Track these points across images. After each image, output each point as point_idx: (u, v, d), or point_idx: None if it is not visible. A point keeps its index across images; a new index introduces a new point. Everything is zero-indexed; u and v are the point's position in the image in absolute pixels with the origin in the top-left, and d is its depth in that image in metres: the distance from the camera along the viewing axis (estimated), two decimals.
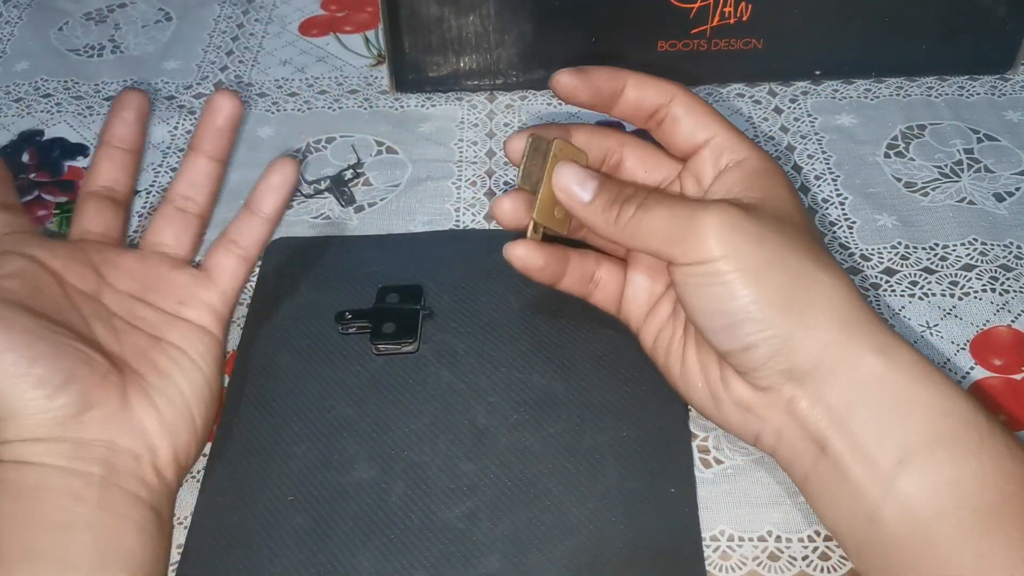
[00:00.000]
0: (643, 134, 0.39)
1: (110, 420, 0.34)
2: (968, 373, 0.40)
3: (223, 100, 0.41)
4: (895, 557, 0.30)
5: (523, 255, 0.38)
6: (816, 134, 0.52)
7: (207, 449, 0.38)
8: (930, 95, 0.54)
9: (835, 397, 0.31)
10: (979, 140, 0.51)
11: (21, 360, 0.32)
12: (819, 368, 0.32)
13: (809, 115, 0.53)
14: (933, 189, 0.48)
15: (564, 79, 0.36)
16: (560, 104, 0.55)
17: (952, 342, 0.41)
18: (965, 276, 0.44)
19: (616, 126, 0.43)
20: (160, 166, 0.52)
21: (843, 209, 0.48)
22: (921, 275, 0.44)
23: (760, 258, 0.32)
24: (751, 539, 0.35)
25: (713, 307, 0.32)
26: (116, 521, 0.32)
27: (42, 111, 0.56)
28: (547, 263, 0.38)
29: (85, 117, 0.56)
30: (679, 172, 0.38)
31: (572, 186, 0.35)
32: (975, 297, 0.43)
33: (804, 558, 0.35)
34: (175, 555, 0.35)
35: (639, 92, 0.37)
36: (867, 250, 0.46)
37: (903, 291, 0.44)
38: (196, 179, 0.42)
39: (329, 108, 0.56)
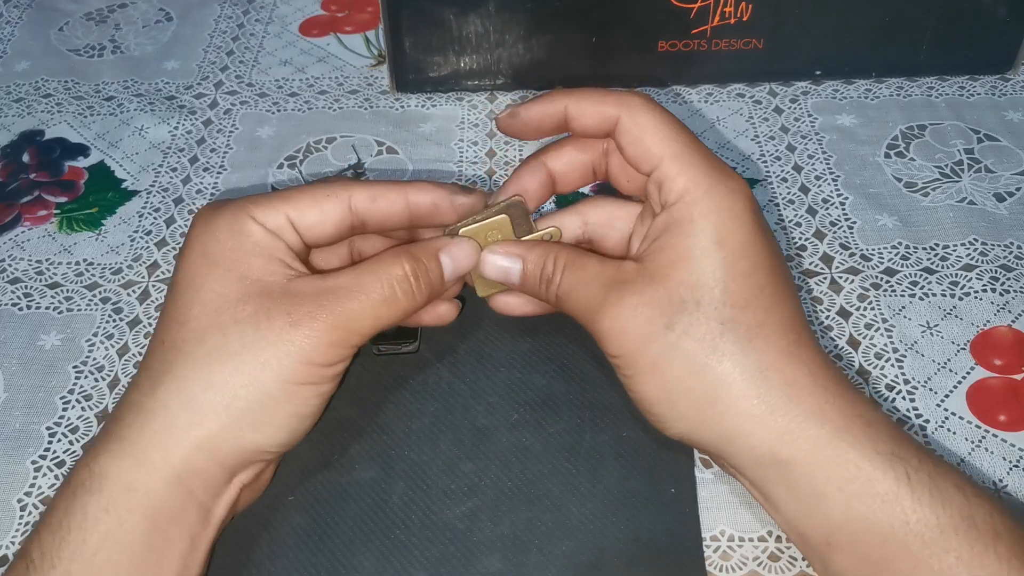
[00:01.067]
0: None
1: (262, 469, 0.34)
2: (968, 373, 0.40)
3: (446, 309, 0.39)
4: None
5: (507, 303, 0.39)
6: (816, 134, 0.52)
7: None
8: (930, 95, 0.54)
9: (752, 480, 0.32)
10: (979, 140, 0.51)
11: (309, 412, 0.33)
12: (732, 454, 0.32)
13: (809, 115, 0.53)
14: (933, 189, 0.48)
15: (502, 123, 0.36)
16: None
17: (952, 342, 0.41)
18: (965, 276, 0.44)
19: None
20: (160, 166, 0.52)
21: (843, 209, 0.48)
22: (921, 275, 0.44)
23: (648, 361, 0.32)
24: (751, 539, 0.35)
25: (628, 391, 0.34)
26: (200, 566, 0.32)
27: (42, 111, 0.56)
28: (535, 307, 0.38)
29: (85, 117, 0.56)
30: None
31: (500, 273, 0.36)
32: (975, 297, 0.43)
33: (804, 558, 0.35)
34: None
35: (578, 120, 0.35)
36: (867, 250, 0.46)
37: (903, 291, 0.44)
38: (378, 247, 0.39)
39: (329, 108, 0.56)
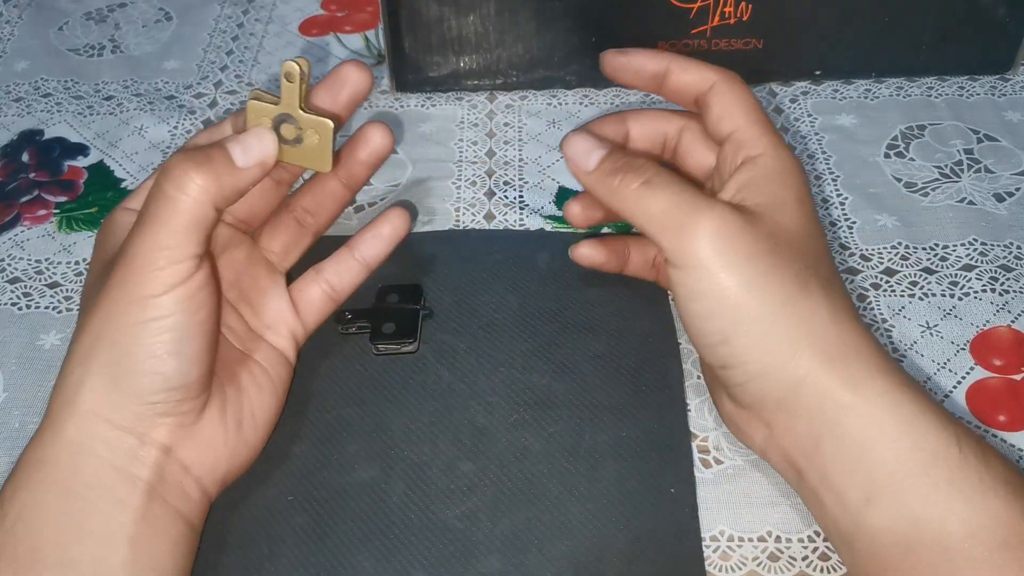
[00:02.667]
0: None
1: (179, 429, 0.33)
2: (968, 373, 0.40)
3: (375, 133, 0.40)
4: None
5: (587, 253, 0.41)
6: (816, 134, 0.52)
7: None
8: (930, 95, 0.54)
9: (803, 431, 0.32)
10: (979, 140, 0.51)
11: (169, 345, 0.32)
12: (789, 401, 0.32)
13: (809, 115, 0.53)
14: (933, 189, 0.48)
15: (609, 58, 0.38)
16: (559, 104, 0.55)
17: (952, 342, 0.41)
18: (965, 276, 0.44)
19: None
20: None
21: (843, 209, 0.48)
22: (921, 275, 0.44)
23: (744, 279, 0.32)
24: (751, 539, 0.35)
25: (694, 318, 0.33)
26: (154, 536, 0.32)
27: (42, 111, 0.56)
28: (609, 257, 0.41)
29: (85, 117, 0.56)
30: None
31: (577, 155, 0.36)
32: (975, 297, 0.43)
33: (804, 558, 0.35)
34: None
35: (679, 77, 0.37)
36: (867, 250, 0.46)
37: (903, 291, 0.44)
38: (322, 200, 0.41)
39: None
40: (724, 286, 0.32)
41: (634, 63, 0.38)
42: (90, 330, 0.32)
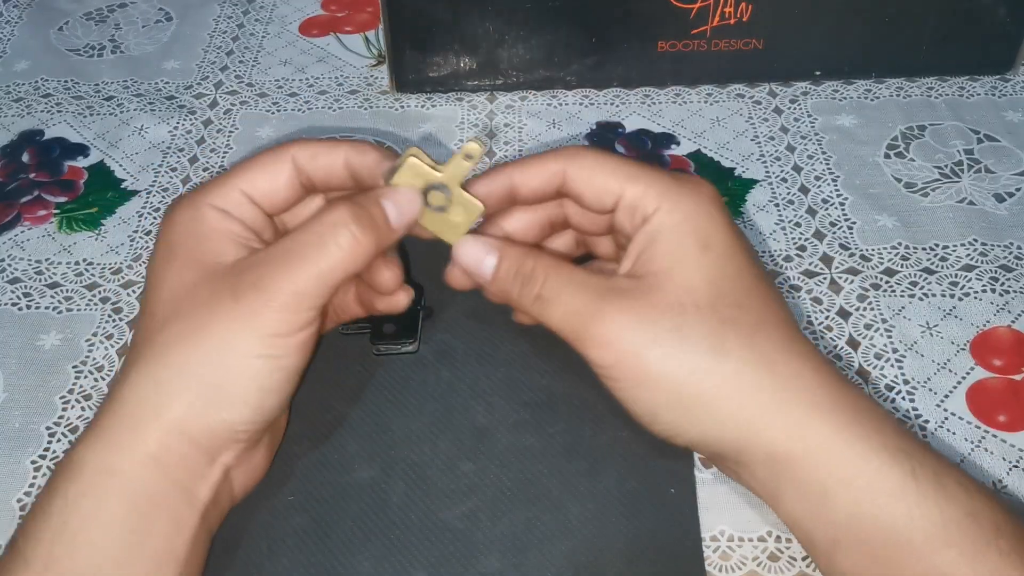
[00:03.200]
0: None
1: (243, 454, 0.33)
2: (968, 373, 0.40)
3: (401, 294, 0.38)
4: None
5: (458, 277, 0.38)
6: (816, 134, 0.52)
7: None
8: (930, 96, 0.54)
9: (763, 478, 0.32)
10: (979, 141, 0.51)
11: (276, 385, 0.32)
12: (741, 457, 0.32)
13: (809, 115, 0.53)
14: (933, 190, 0.48)
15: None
16: (560, 104, 0.55)
17: (952, 342, 0.41)
18: (965, 276, 0.44)
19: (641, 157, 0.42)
20: (160, 166, 0.52)
21: (843, 209, 0.48)
22: (921, 275, 0.44)
23: (652, 365, 0.31)
24: (751, 539, 0.35)
25: (622, 402, 0.33)
26: (198, 556, 0.32)
27: (42, 111, 0.56)
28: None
29: (85, 117, 0.56)
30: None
31: (471, 266, 0.35)
32: (975, 297, 0.43)
33: (804, 558, 0.35)
34: None
35: (527, 183, 0.36)
36: (867, 250, 0.46)
37: (903, 291, 0.44)
38: (349, 303, 0.40)
39: (329, 108, 0.56)
40: (636, 378, 0.32)
41: (479, 196, 0.36)
42: (190, 344, 0.31)
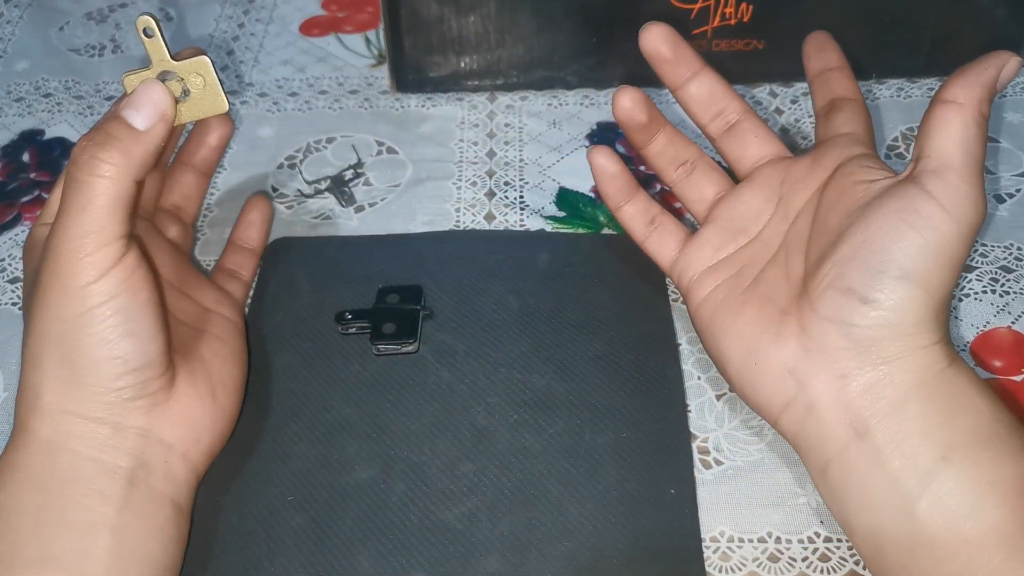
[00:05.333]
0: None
1: (154, 409, 0.33)
2: None
3: (214, 122, 0.44)
4: (924, 552, 0.30)
5: (630, 104, 0.39)
6: None
7: None
8: (930, 96, 0.54)
9: (895, 385, 0.31)
10: None
11: (120, 328, 0.31)
12: (902, 358, 0.31)
13: (810, 116, 0.53)
14: None
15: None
16: (560, 104, 0.55)
17: (952, 343, 0.41)
18: (965, 277, 0.44)
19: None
20: None
21: None
22: None
23: (960, 251, 0.32)
24: (751, 540, 0.35)
25: (888, 243, 0.31)
26: (139, 523, 0.32)
27: (43, 111, 0.56)
28: (626, 177, 0.41)
29: (86, 117, 0.56)
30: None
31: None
32: (975, 299, 0.43)
33: (804, 559, 0.35)
34: None
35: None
36: None
37: None
38: (188, 193, 0.44)
39: (329, 108, 0.56)
40: (953, 245, 0.31)
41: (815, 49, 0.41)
42: (35, 333, 0.32)
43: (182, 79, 0.35)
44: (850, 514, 0.32)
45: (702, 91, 0.39)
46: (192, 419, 0.34)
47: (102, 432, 0.32)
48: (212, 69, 0.35)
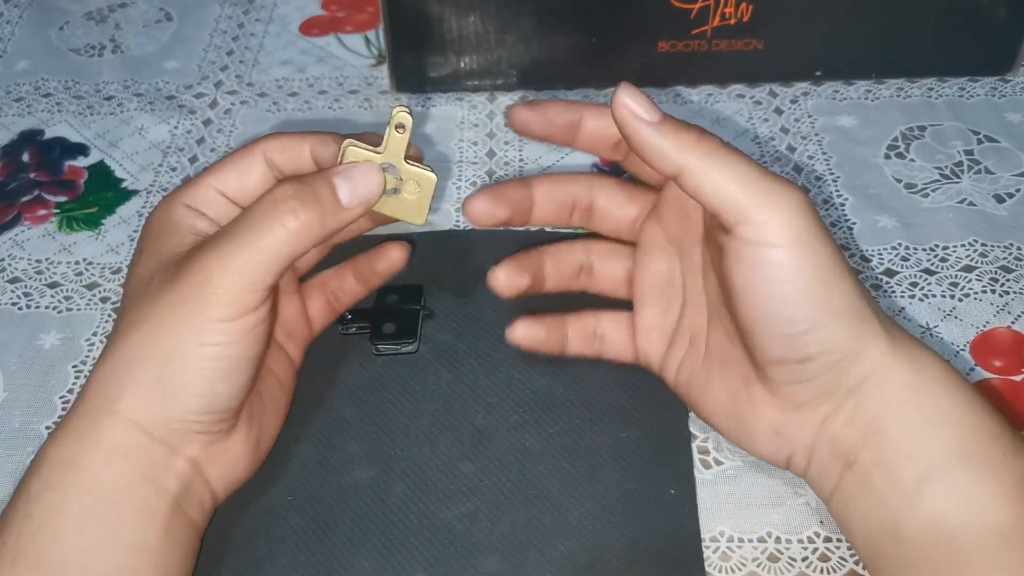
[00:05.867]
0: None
1: (210, 446, 0.33)
2: (968, 374, 0.40)
3: (394, 249, 0.41)
4: (915, 572, 0.30)
5: (525, 332, 0.38)
6: (816, 135, 0.52)
7: None
8: (930, 96, 0.54)
9: (870, 414, 0.31)
10: (979, 141, 0.51)
11: (223, 372, 0.31)
12: (863, 386, 0.31)
13: (809, 116, 0.53)
14: (933, 190, 0.48)
15: (518, 112, 0.35)
16: None
17: (952, 343, 0.41)
18: (965, 277, 0.44)
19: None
20: (160, 166, 0.52)
21: (843, 210, 0.48)
22: (921, 276, 0.44)
23: (830, 258, 0.30)
24: (751, 540, 0.35)
25: (777, 303, 0.30)
26: (174, 546, 0.31)
27: (42, 111, 0.56)
28: (549, 333, 0.38)
29: (85, 117, 0.56)
30: (654, 203, 0.38)
31: (639, 105, 0.31)
32: (975, 298, 0.43)
33: (804, 559, 0.35)
34: None
35: (597, 121, 0.35)
36: (867, 251, 0.46)
37: (903, 292, 0.44)
38: (346, 287, 0.41)
39: (329, 108, 0.56)
40: (818, 264, 0.30)
41: (548, 113, 0.35)
42: (140, 335, 0.31)
43: (401, 180, 0.35)
44: (852, 536, 0.32)
45: (552, 195, 0.38)
46: (235, 462, 0.34)
47: (160, 452, 0.31)
48: (433, 187, 0.35)
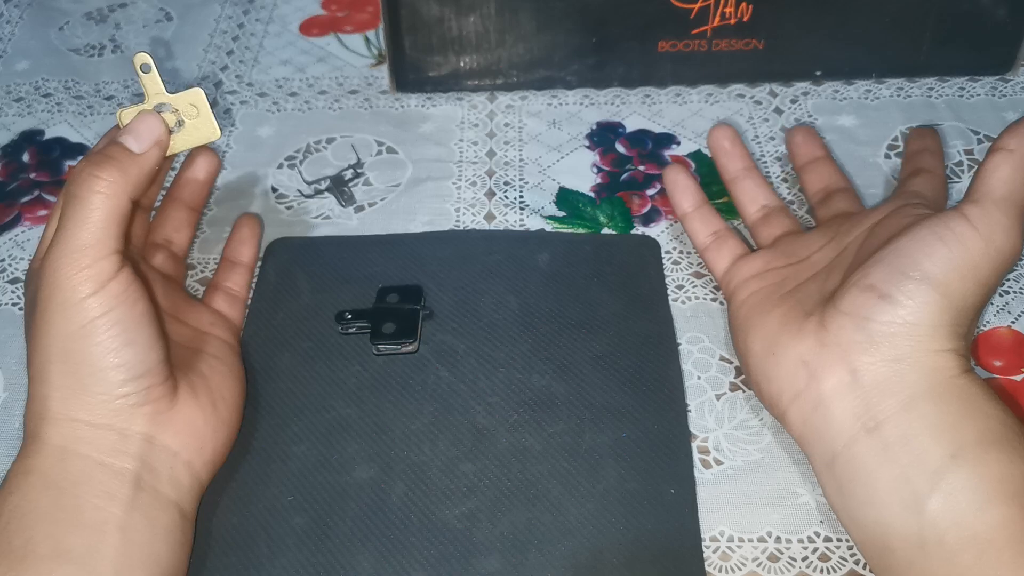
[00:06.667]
0: None
1: (157, 416, 0.34)
2: None
3: (200, 156, 0.46)
4: (933, 549, 0.30)
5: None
6: None
7: None
8: (930, 96, 0.54)
9: (905, 384, 0.32)
10: (979, 141, 0.51)
11: (121, 337, 0.32)
12: (916, 349, 0.32)
13: (810, 116, 0.53)
14: None
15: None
16: (560, 104, 0.55)
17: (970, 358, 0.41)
18: None
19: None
20: None
21: None
22: None
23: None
24: (751, 540, 0.35)
25: (911, 246, 0.33)
26: (145, 524, 0.32)
27: (42, 111, 0.56)
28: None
29: (85, 117, 0.56)
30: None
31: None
32: None
33: (804, 559, 0.35)
34: None
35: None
36: None
37: None
38: (179, 226, 0.45)
39: (329, 108, 0.56)
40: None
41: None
42: (39, 348, 0.33)
43: (177, 110, 0.37)
44: (855, 509, 0.32)
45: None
46: (195, 427, 0.35)
47: (109, 438, 0.33)
48: (205, 99, 0.38)
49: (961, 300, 0.32)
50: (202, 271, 0.46)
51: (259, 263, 0.46)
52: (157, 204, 0.45)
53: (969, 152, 0.51)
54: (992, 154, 0.34)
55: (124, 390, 0.33)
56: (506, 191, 0.50)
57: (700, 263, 0.45)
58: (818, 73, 0.55)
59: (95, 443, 0.33)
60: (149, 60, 0.36)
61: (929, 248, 0.32)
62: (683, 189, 0.45)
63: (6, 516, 0.31)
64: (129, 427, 0.33)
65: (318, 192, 0.50)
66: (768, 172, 0.50)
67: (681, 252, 0.46)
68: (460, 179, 0.51)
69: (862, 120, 0.53)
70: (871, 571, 0.33)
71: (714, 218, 0.45)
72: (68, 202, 0.33)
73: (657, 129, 0.53)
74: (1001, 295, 0.43)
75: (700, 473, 0.37)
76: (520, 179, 0.50)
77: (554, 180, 0.50)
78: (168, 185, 0.47)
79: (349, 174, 0.51)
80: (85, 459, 0.32)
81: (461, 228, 0.48)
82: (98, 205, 0.32)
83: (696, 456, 0.38)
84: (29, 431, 0.33)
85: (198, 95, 0.37)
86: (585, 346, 0.41)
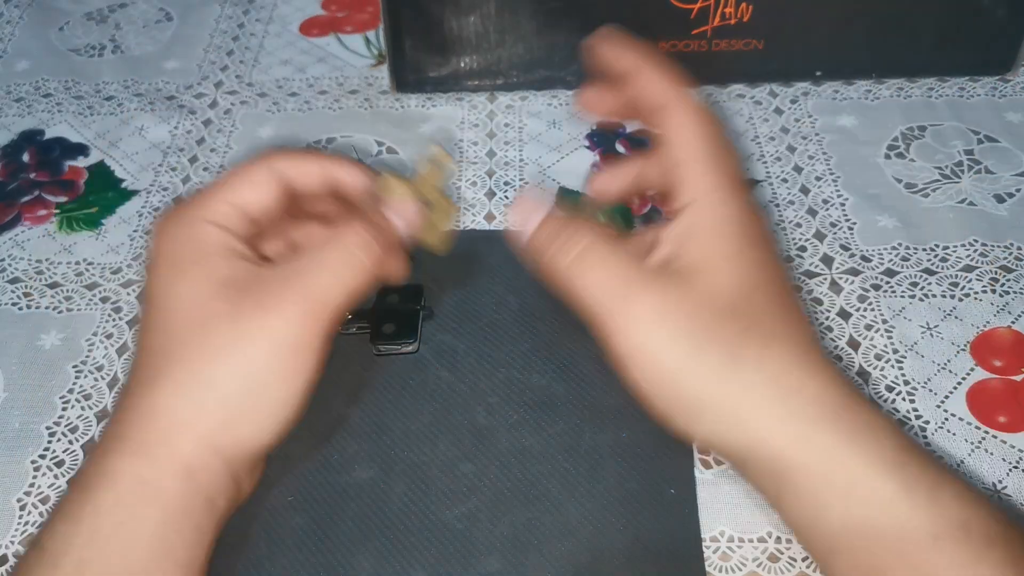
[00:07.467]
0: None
1: (255, 466, 0.35)
2: (968, 374, 0.40)
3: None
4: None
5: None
6: (817, 135, 0.52)
7: None
8: (930, 96, 0.54)
9: (765, 485, 0.32)
10: (979, 141, 0.51)
11: (304, 397, 0.33)
12: (747, 462, 0.32)
13: (810, 116, 0.53)
14: (934, 190, 0.48)
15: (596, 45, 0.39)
16: (560, 104, 0.55)
17: (952, 343, 0.41)
18: (965, 277, 0.44)
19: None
20: (160, 166, 0.52)
21: (844, 210, 0.48)
22: (921, 276, 0.44)
23: (677, 362, 0.31)
24: (751, 540, 0.35)
25: (641, 393, 0.33)
26: (207, 561, 0.32)
27: (42, 111, 0.56)
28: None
29: (85, 117, 0.56)
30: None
31: (521, 216, 0.36)
32: (975, 298, 0.43)
33: (804, 559, 0.35)
34: None
35: (641, 84, 0.37)
36: (868, 251, 0.46)
37: (903, 292, 0.44)
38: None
39: (329, 108, 0.56)
40: (650, 374, 0.32)
41: (609, 55, 0.38)
42: (223, 360, 0.31)
43: (430, 206, 0.38)
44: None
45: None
46: (256, 477, 0.36)
47: (225, 476, 0.32)
48: (451, 217, 0.39)
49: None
50: None
51: None
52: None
53: (969, 152, 0.51)
54: None
55: (268, 441, 0.33)
56: (506, 191, 0.50)
57: None
58: (818, 73, 0.55)
59: (214, 478, 0.32)
60: (446, 159, 0.38)
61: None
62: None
63: (109, 529, 0.30)
64: (238, 471, 0.33)
65: None
66: (768, 172, 0.50)
67: None
68: (460, 179, 0.51)
69: (862, 120, 0.53)
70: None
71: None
72: (340, 247, 0.34)
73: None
74: (1001, 295, 0.43)
75: (700, 473, 0.37)
76: (520, 179, 0.50)
77: (554, 180, 0.50)
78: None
79: None
80: (197, 492, 0.31)
81: (461, 228, 0.48)
82: (357, 277, 0.34)
83: (696, 456, 0.38)
84: (154, 427, 0.31)
85: (452, 210, 0.39)
86: (585, 346, 0.41)
